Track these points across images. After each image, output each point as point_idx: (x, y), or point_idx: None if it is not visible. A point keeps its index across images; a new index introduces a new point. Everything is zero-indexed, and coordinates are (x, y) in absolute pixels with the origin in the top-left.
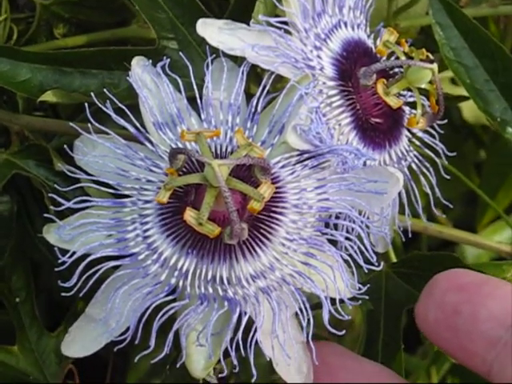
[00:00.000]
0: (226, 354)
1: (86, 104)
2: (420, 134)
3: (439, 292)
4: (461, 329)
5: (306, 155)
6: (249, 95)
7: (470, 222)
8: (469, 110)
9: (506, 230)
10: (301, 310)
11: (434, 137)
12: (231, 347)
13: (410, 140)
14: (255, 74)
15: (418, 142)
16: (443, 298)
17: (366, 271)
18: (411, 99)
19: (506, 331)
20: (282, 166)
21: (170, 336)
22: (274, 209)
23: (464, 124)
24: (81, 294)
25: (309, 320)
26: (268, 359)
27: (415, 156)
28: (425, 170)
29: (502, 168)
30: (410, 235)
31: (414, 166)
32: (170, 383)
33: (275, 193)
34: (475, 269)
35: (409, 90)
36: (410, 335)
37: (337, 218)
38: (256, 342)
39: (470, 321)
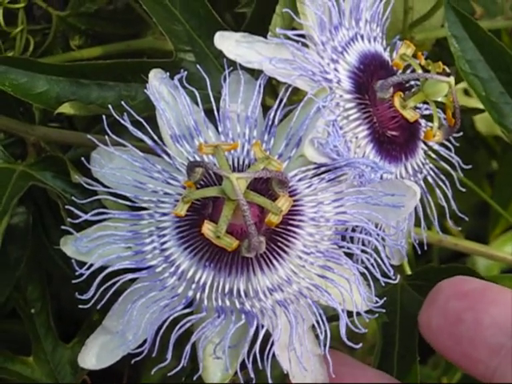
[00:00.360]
0: (243, 365)
1: (104, 116)
2: (436, 147)
3: (442, 299)
4: (464, 336)
5: (323, 168)
6: (265, 108)
7: (481, 233)
8: (481, 121)
9: None
10: (318, 322)
11: (449, 149)
12: (248, 360)
13: (425, 153)
14: (271, 86)
15: (433, 155)
16: (446, 305)
17: (383, 284)
18: (427, 112)
19: (508, 338)
20: (300, 179)
21: (188, 348)
22: (291, 222)
23: (477, 135)
24: (98, 307)
25: (326, 332)
26: (285, 372)
27: (431, 169)
28: (440, 183)
29: None
30: (425, 248)
31: (429, 178)
32: None
33: (292, 206)
34: (489, 280)
35: (425, 102)
36: (421, 345)
37: (353, 230)
38: (273, 354)
39: (473, 328)
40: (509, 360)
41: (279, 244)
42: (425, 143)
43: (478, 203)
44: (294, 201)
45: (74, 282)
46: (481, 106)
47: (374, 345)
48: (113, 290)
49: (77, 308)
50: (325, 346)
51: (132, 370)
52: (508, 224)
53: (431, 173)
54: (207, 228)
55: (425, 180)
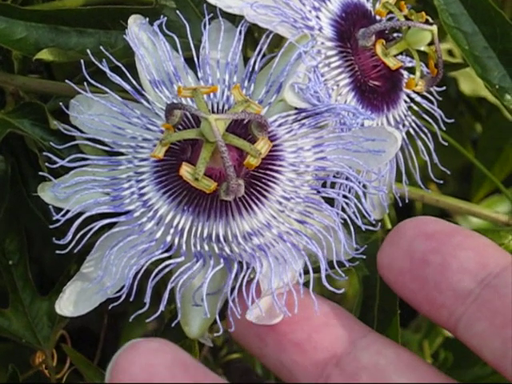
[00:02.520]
0: (222, 315)
1: (83, 64)
2: (418, 99)
3: (406, 239)
4: (429, 279)
5: (303, 114)
6: (246, 60)
7: (464, 197)
8: (465, 82)
9: (501, 204)
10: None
11: (432, 102)
12: (227, 305)
13: (408, 107)
14: (253, 39)
15: (416, 108)
16: (410, 246)
17: (363, 235)
18: (410, 65)
19: (477, 285)
20: (279, 125)
21: (166, 294)
22: (270, 167)
23: (461, 98)
24: (75, 251)
25: (308, 272)
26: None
27: (413, 121)
28: (422, 135)
29: (497, 142)
30: (407, 201)
31: (411, 131)
32: None
33: (272, 151)
34: None
35: (408, 55)
36: (402, 309)
37: (334, 177)
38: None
39: (439, 271)
40: (475, 308)
41: (258, 189)
42: (408, 96)
43: (461, 168)
44: (274, 146)
45: (51, 227)
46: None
47: None
48: (90, 234)
49: (58, 272)
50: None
51: (111, 332)
52: (490, 188)
53: (413, 125)
54: (185, 170)
55: (407, 134)
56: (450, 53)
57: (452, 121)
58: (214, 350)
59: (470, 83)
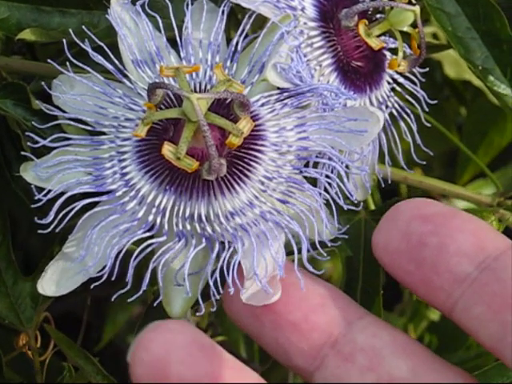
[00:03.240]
0: (204, 296)
1: (66, 45)
2: (401, 81)
3: (402, 221)
4: (426, 261)
5: (285, 94)
6: (229, 41)
7: (449, 181)
8: (450, 65)
9: (485, 188)
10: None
11: (415, 84)
12: (210, 286)
13: (392, 89)
14: (236, 21)
15: (399, 89)
16: (407, 227)
17: (345, 216)
18: (393, 46)
19: (475, 268)
20: (262, 105)
21: (148, 274)
22: (252, 146)
23: (446, 82)
24: (57, 230)
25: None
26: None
27: (396, 102)
28: (405, 116)
29: (482, 126)
30: (389, 183)
31: (394, 112)
32: None
33: (254, 131)
34: None
35: (390, 36)
36: (387, 293)
37: (316, 157)
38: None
39: (436, 253)
40: (473, 291)
41: (240, 168)
42: (391, 77)
43: (446, 152)
44: (256, 125)
45: (33, 206)
46: None
47: None
48: (72, 214)
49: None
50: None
51: (95, 318)
52: (475, 171)
53: (396, 106)
54: (167, 149)
55: (390, 115)
56: (435, 36)
57: (435, 102)
58: None
59: (454, 67)
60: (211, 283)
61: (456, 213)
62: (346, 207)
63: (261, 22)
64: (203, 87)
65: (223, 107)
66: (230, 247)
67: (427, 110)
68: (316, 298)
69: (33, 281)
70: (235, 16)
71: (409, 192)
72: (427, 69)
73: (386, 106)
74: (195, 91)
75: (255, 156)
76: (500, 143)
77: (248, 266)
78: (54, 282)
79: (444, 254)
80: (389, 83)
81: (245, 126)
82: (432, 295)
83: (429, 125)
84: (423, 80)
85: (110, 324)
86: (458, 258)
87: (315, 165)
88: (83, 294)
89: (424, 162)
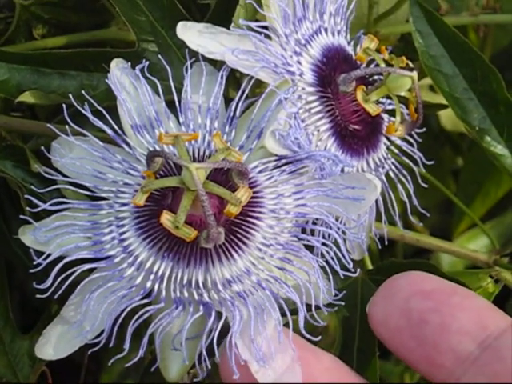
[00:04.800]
0: (201, 358)
1: (64, 106)
2: (398, 142)
3: (401, 297)
4: (427, 339)
5: (283, 160)
6: (228, 100)
7: (445, 229)
8: (447, 118)
9: (481, 238)
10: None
11: (412, 145)
12: (206, 352)
13: (388, 148)
14: (234, 79)
15: (396, 150)
16: (407, 303)
17: (343, 277)
18: (390, 107)
19: (477, 347)
20: (260, 171)
21: (145, 340)
22: (250, 213)
23: (442, 131)
24: (55, 296)
25: (287, 323)
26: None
27: (393, 164)
28: (402, 178)
29: (478, 176)
30: (386, 243)
31: (391, 173)
32: None
33: (252, 197)
34: (451, 277)
35: (388, 97)
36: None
37: (314, 223)
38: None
39: (438, 332)
40: (475, 370)
41: (238, 235)
42: (387, 138)
43: (442, 200)
44: (254, 192)
45: (31, 271)
46: (445, 102)
47: None
48: (71, 280)
49: (41, 300)
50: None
51: (92, 362)
52: (471, 221)
53: (393, 168)
54: (166, 218)
55: (387, 175)
56: (432, 88)
57: (432, 162)
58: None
59: (451, 119)
60: (204, 351)
61: (455, 289)
62: (342, 274)
63: (260, 81)
64: (202, 153)
65: (221, 174)
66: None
67: (424, 169)
68: (323, 374)
69: (30, 339)
70: (234, 74)
71: (404, 246)
72: (424, 129)
73: (383, 167)
74: (194, 157)
75: (253, 223)
76: (496, 194)
77: (247, 332)
78: (51, 346)
79: (446, 332)
80: (385, 144)
81: (243, 195)
82: (433, 372)
83: (426, 186)
84: (420, 140)
85: (106, 372)
86: (459, 337)
87: (312, 231)
88: None
89: (421, 224)
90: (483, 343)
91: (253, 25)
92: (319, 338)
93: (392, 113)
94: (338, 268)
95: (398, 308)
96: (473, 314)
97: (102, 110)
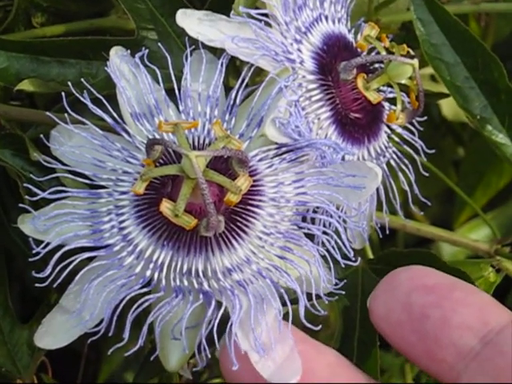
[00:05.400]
0: (201, 348)
1: (64, 94)
2: (399, 131)
3: (402, 291)
4: (429, 334)
5: (284, 149)
6: (228, 88)
7: (446, 220)
8: (448, 107)
9: (483, 228)
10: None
11: (413, 133)
12: (206, 341)
13: (389, 136)
14: (234, 67)
15: (397, 139)
16: (408, 298)
17: (343, 266)
18: (391, 95)
19: (478, 342)
20: (260, 160)
21: (144, 329)
22: (251, 202)
23: (443, 121)
24: (54, 285)
25: (287, 313)
26: (243, 353)
27: (394, 152)
28: (403, 167)
29: (479, 166)
30: (387, 232)
31: (392, 162)
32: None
33: (252, 186)
34: (452, 266)
35: (389, 85)
36: None
37: (314, 212)
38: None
39: (439, 326)
40: (476, 365)
41: (238, 224)
42: (388, 127)
43: (444, 190)
44: (255, 181)
45: (30, 260)
46: (446, 91)
47: None
48: (70, 268)
49: (41, 289)
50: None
51: (93, 353)
52: (472, 211)
53: (394, 156)
54: (165, 206)
55: (388, 164)
56: (433, 78)
57: (433, 151)
58: (196, 374)
59: (452, 109)
60: (203, 340)
61: (457, 283)
62: (343, 262)
63: (260, 69)
64: (202, 141)
65: (221, 162)
66: (227, 303)
67: (425, 158)
68: (324, 370)
69: (30, 329)
70: (234, 62)
71: (406, 236)
72: (426, 117)
73: (384, 156)
74: (194, 145)
75: (253, 211)
76: (498, 184)
77: (246, 322)
78: (50, 334)
79: (447, 327)
80: (386, 132)
81: (243, 183)
82: (434, 367)
83: (427, 174)
84: (421, 129)
85: (106, 362)
86: (461, 332)
87: (313, 220)
88: None
89: (422, 213)
90: (484, 338)
91: (253, 12)
92: (319, 327)
93: (393, 101)
94: (338, 257)
95: (399, 302)
96: (474, 309)
97: (101, 98)
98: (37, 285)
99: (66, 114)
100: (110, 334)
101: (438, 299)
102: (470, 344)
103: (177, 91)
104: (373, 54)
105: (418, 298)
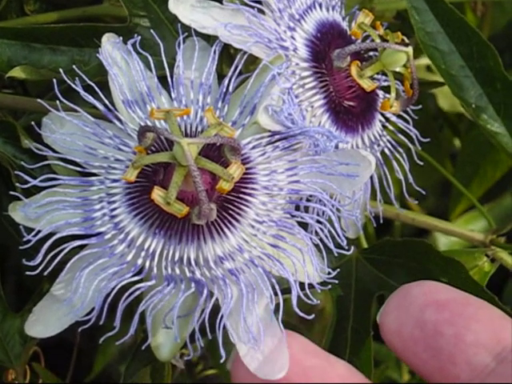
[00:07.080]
0: (193, 338)
1: (55, 81)
2: (394, 119)
3: (416, 307)
4: (442, 351)
5: (277, 136)
6: (221, 76)
7: (442, 212)
8: (444, 98)
9: (479, 220)
10: (270, 292)
11: (407, 122)
12: (198, 330)
13: (383, 125)
14: (228, 55)
15: (392, 127)
16: (422, 314)
17: (336, 255)
18: (385, 84)
19: (493, 359)
20: (253, 147)
21: (136, 318)
22: (243, 190)
23: (439, 112)
24: (45, 273)
25: (278, 304)
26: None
27: (388, 141)
28: (398, 156)
29: (476, 157)
30: (381, 221)
31: (386, 151)
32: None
33: (245, 174)
34: (447, 256)
35: (383, 74)
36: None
37: (308, 200)
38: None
39: (453, 343)
40: (493, 380)
41: (231, 212)
42: (383, 115)
43: (440, 182)
44: (247, 169)
45: (21, 248)
46: (441, 80)
47: None
48: (61, 256)
49: (36, 281)
50: (277, 318)
51: (87, 343)
52: (469, 203)
53: (388, 145)
54: (157, 194)
55: (382, 153)
56: (429, 68)
57: (428, 140)
58: (190, 365)
59: (448, 99)
60: (197, 328)
61: (469, 299)
62: (336, 251)
63: (253, 57)
64: (194, 129)
65: (214, 149)
66: (219, 292)
67: (420, 147)
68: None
69: (22, 317)
70: (227, 50)
71: (402, 226)
72: (420, 106)
73: (378, 145)
74: (186, 133)
75: (246, 200)
76: (494, 175)
77: (238, 311)
78: (41, 323)
79: (461, 344)
80: (381, 121)
81: (235, 171)
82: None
83: (421, 163)
84: (416, 118)
85: (100, 354)
86: (475, 349)
87: (306, 208)
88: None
89: (416, 202)
90: (499, 356)
91: None
92: (313, 316)
93: (387, 90)
94: (331, 246)
95: (412, 318)
96: (488, 326)
97: (93, 85)
98: (28, 273)
99: (57, 102)
100: (104, 324)
101: (451, 316)
102: (485, 361)
103: (169, 78)
104: (367, 41)
105: (431, 314)
